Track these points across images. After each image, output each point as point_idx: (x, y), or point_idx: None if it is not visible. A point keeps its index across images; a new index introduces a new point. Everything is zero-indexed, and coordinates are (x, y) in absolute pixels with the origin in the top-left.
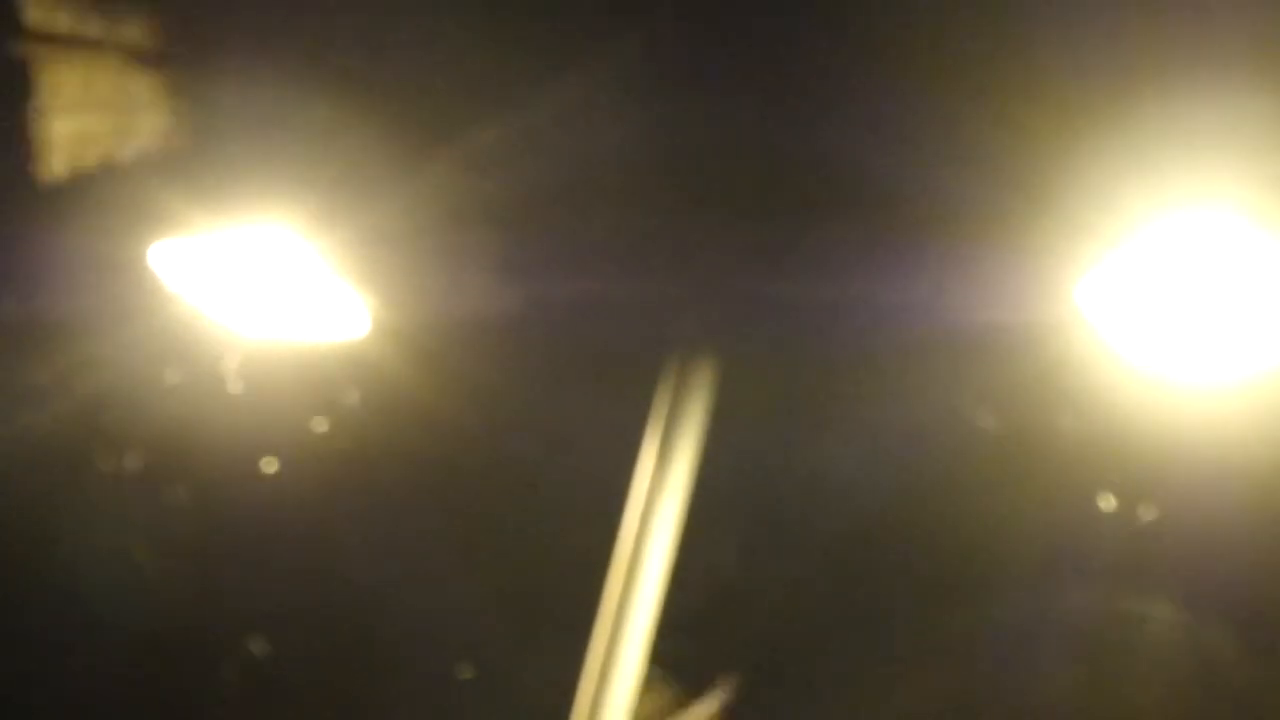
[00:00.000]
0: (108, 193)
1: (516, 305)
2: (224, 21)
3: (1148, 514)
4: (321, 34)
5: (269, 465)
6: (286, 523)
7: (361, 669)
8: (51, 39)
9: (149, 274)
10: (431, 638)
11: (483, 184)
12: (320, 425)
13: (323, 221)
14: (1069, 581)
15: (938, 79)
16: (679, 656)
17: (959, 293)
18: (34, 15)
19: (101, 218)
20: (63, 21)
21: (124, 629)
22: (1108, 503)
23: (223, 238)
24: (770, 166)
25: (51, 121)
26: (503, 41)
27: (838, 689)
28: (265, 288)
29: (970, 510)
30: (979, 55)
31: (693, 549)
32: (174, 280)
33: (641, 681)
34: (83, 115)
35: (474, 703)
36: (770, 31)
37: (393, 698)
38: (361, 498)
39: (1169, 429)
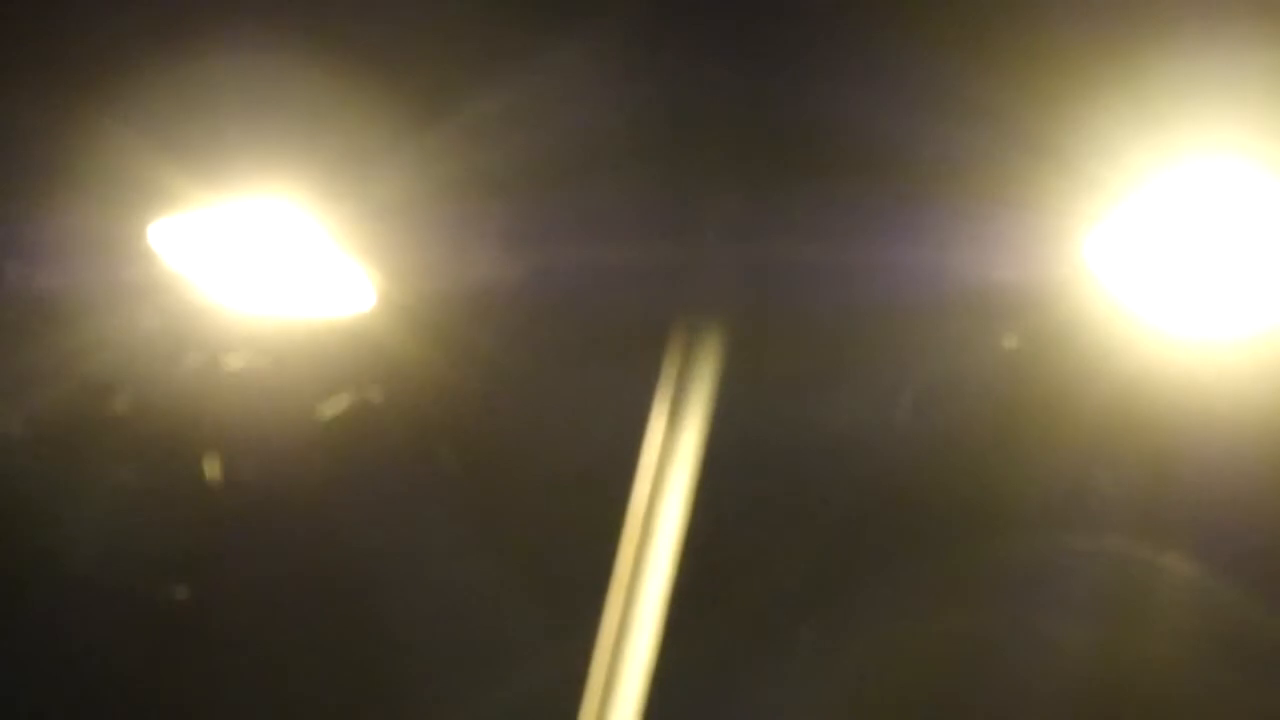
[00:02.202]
0: (108, 171)
1: (522, 276)
2: None
3: (1159, 469)
4: (321, 3)
5: (276, 441)
6: (294, 499)
7: (374, 642)
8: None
9: (150, 253)
10: (443, 609)
11: (487, 155)
12: (326, 401)
13: (325, 195)
14: (1081, 537)
15: (941, 37)
16: (693, 623)
17: (967, 252)
18: None
19: (101, 197)
20: None
21: (130, 606)
22: (1119, 459)
23: (224, 214)
24: (775, 131)
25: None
26: (504, 9)
27: (851, 651)
28: (268, 263)
29: (982, 470)
30: (982, 11)
31: (703, 516)
32: (175, 258)
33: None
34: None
35: (487, 674)
36: None
37: (405, 670)
38: (370, 472)
39: (1180, 383)
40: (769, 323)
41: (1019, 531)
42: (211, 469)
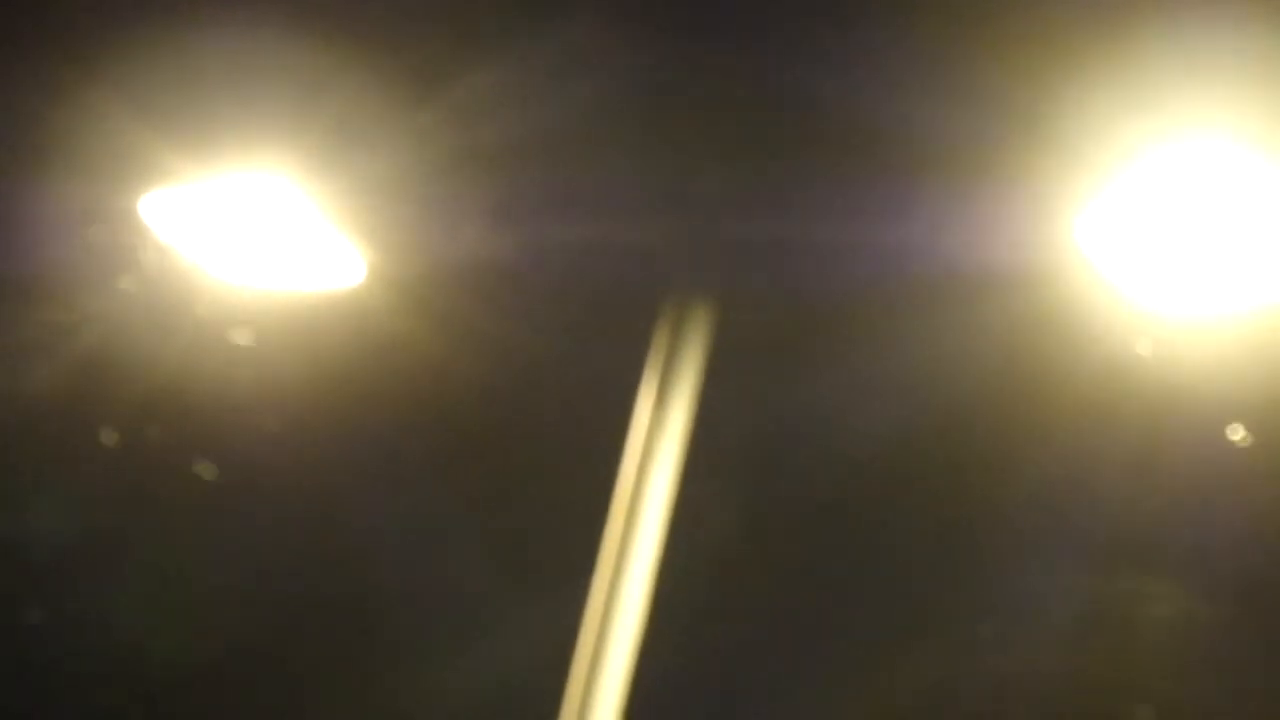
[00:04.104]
0: (98, 144)
1: (512, 251)
2: None
3: (1150, 449)
4: None
5: (264, 415)
6: (282, 472)
7: (361, 615)
8: None
9: (141, 225)
10: (431, 584)
11: (478, 130)
12: (316, 374)
13: (316, 169)
14: (1072, 518)
15: (932, 15)
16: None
17: (956, 231)
18: None
19: (93, 169)
20: None
21: (120, 581)
22: (1110, 438)
23: (215, 187)
24: (765, 108)
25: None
26: None
27: (837, 633)
28: (259, 237)
29: (971, 450)
30: None
31: (691, 494)
32: (166, 231)
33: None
34: None
35: (474, 649)
36: None
37: (393, 644)
38: (359, 446)
39: (1172, 363)
40: (758, 300)
41: (1008, 511)
42: (202, 441)
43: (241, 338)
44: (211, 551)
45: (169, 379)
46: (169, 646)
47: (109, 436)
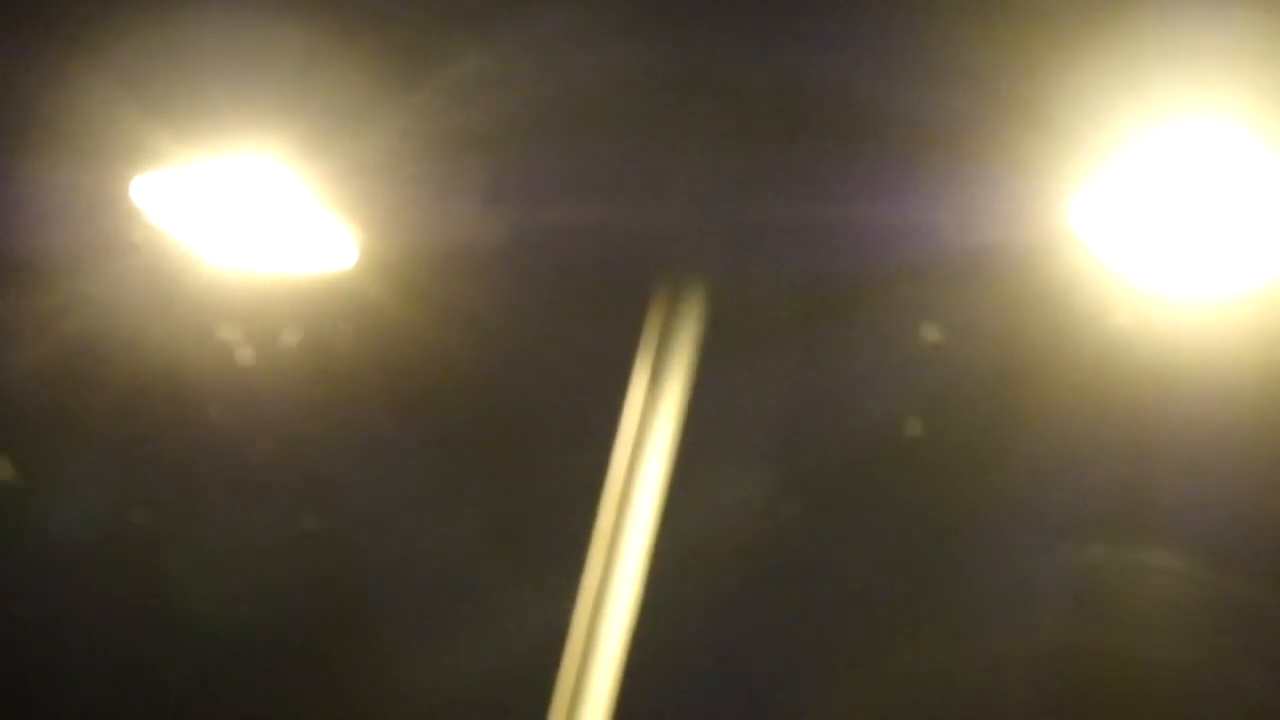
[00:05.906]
0: (90, 127)
1: (505, 233)
2: None
3: (1146, 429)
4: None
5: (256, 398)
6: (274, 454)
7: (351, 597)
8: None
9: (133, 209)
10: (422, 567)
11: (470, 112)
12: (307, 356)
13: (308, 152)
14: (1068, 496)
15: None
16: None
17: (951, 212)
18: None
19: (84, 153)
20: None
21: (111, 559)
22: (1106, 418)
23: (207, 170)
24: (760, 91)
25: None
26: None
27: (833, 615)
28: (250, 220)
29: (968, 430)
30: None
31: (686, 476)
32: (158, 214)
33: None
34: None
35: (466, 632)
36: None
37: (383, 627)
38: (351, 427)
39: (1166, 344)
40: (752, 282)
41: (1004, 491)
42: (193, 423)
43: (233, 320)
44: (203, 534)
45: (161, 362)
46: (164, 632)
47: (99, 418)
